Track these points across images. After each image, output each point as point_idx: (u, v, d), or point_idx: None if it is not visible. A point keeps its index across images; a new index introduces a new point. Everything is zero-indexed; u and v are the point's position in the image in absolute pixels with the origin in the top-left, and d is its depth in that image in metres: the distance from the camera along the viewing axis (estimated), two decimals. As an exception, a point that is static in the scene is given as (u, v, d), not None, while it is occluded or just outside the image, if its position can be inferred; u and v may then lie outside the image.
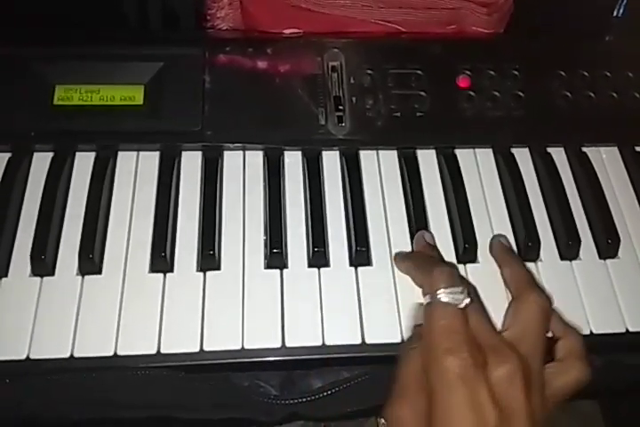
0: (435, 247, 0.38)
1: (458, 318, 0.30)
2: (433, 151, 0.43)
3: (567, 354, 0.33)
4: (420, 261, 0.36)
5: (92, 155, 0.41)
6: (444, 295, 0.31)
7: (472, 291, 0.33)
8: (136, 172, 0.41)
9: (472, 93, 0.44)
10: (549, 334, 0.34)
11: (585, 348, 0.33)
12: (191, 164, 0.41)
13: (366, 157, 0.42)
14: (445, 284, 0.31)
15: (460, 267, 0.38)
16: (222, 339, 0.35)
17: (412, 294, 0.37)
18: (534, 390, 0.29)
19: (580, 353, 0.33)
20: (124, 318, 0.35)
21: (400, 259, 0.38)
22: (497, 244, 0.38)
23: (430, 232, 0.39)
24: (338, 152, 0.43)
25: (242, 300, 0.36)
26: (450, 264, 0.34)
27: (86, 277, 0.36)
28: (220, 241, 0.38)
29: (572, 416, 0.78)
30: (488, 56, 0.45)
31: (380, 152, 0.43)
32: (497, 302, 0.36)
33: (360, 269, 0.38)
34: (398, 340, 0.35)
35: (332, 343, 0.35)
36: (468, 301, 0.31)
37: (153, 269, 0.37)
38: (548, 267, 0.39)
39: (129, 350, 0.34)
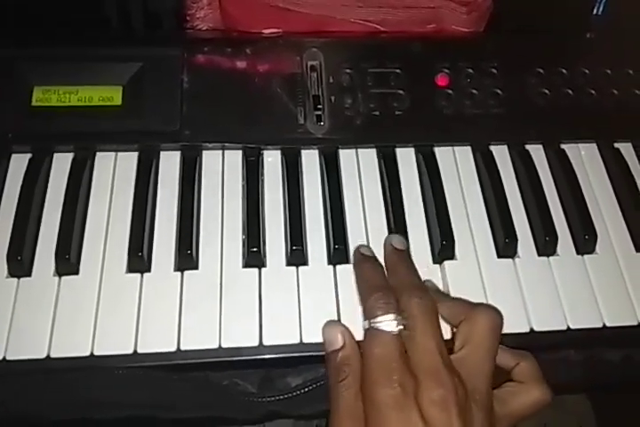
0: (403, 251, 0.37)
1: (390, 346, 0.30)
2: (412, 149, 0.43)
3: (526, 377, 0.33)
4: (361, 284, 0.36)
5: (70, 155, 0.41)
6: (378, 323, 0.31)
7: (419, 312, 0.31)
8: (114, 172, 0.41)
9: (451, 92, 0.44)
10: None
11: (541, 371, 0.33)
12: (169, 163, 0.41)
13: (345, 156, 0.43)
14: (381, 311, 0.31)
15: (437, 265, 0.39)
16: (200, 338, 0.35)
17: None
18: (475, 412, 0.29)
19: (539, 375, 0.33)
20: (101, 318, 0.35)
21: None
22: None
23: (401, 236, 0.38)
24: (317, 151, 0.43)
25: (219, 299, 0.36)
26: (387, 287, 0.33)
27: (63, 277, 0.36)
28: (198, 240, 0.38)
29: (565, 415, 0.79)
30: (467, 54, 0.46)
31: (359, 151, 0.43)
32: (475, 299, 0.37)
33: (338, 267, 0.38)
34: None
35: (309, 341, 0.35)
36: (400, 328, 0.31)
37: (130, 269, 0.37)
38: (525, 263, 0.39)
39: (106, 350, 0.34)
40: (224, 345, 0.35)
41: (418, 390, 0.29)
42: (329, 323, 0.35)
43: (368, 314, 0.32)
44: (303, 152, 0.43)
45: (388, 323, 0.31)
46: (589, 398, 0.81)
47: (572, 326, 0.37)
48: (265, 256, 0.38)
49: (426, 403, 0.29)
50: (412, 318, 0.31)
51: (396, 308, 0.32)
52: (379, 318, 0.31)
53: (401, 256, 0.37)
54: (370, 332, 0.32)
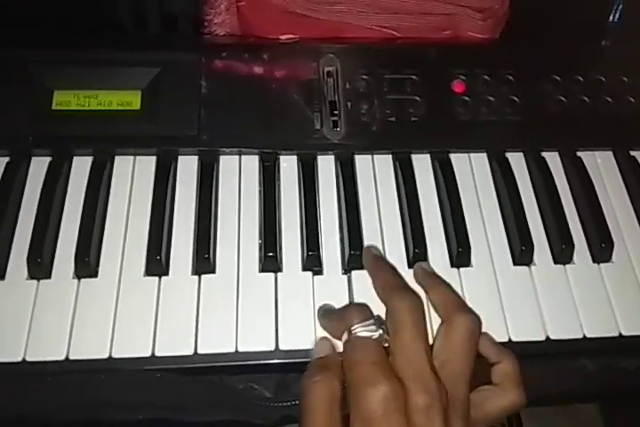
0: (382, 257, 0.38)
1: (373, 350, 0.30)
2: (427, 156, 0.43)
3: (503, 379, 0.33)
4: (330, 312, 0.36)
5: (90, 159, 0.41)
6: (359, 330, 0.31)
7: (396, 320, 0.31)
8: (132, 176, 0.41)
9: (467, 98, 0.44)
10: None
11: (520, 373, 0.33)
12: (187, 168, 0.41)
13: (361, 162, 0.43)
14: (358, 319, 0.32)
15: (454, 271, 0.39)
16: (216, 342, 0.35)
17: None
18: (454, 418, 0.29)
19: (516, 378, 0.33)
20: (120, 320, 0.35)
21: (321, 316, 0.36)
22: (419, 270, 0.37)
23: (376, 248, 0.39)
24: (333, 156, 0.43)
25: (236, 303, 0.36)
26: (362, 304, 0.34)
27: (82, 280, 0.37)
28: (216, 245, 0.38)
29: (573, 421, 0.78)
30: (483, 61, 0.46)
31: (375, 157, 0.43)
32: (491, 307, 0.37)
33: (354, 272, 0.38)
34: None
35: (325, 346, 0.35)
36: (380, 332, 0.31)
37: (148, 272, 0.37)
38: (541, 271, 0.39)
39: (124, 352, 0.34)
40: (240, 349, 0.35)
41: (404, 393, 0.28)
42: (319, 340, 0.35)
43: (345, 324, 0.32)
44: (319, 158, 0.43)
45: (367, 328, 0.31)
46: (600, 406, 0.81)
47: (587, 335, 0.37)
48: (281, 261, 0.38)
49: (411, 408, 0.28)
50: (402, 321, 0.31)
51: (371, 314, 0.32)
52: (357, 325, 0.31)
53: (382, 260, 0.37)
54: (349, 341, 0.31)
